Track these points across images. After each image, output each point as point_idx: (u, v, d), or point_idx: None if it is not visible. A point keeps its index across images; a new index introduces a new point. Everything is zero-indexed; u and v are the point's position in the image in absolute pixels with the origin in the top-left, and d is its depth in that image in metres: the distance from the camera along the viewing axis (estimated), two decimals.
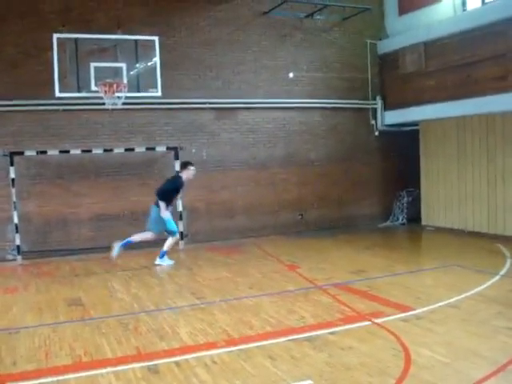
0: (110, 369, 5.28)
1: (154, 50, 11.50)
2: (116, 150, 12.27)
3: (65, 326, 6.76)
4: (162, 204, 10.41)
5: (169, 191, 10.62)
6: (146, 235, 10.71)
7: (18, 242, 11.61)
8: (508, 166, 12.08)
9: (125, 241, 10.51)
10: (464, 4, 13.16)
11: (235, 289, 8.45)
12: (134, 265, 10.81)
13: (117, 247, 10.46)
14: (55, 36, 10.73)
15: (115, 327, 6.62)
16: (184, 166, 10.97)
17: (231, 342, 5.91)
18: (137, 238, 10.67)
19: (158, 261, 10.70)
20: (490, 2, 12.49)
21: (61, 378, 5.10)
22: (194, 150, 13.13)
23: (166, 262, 10.67)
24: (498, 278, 8.42)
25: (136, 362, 5.43)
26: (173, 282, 9.15)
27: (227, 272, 9.77)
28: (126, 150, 12.36)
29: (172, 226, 10.70)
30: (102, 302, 7.97)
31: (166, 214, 10.48)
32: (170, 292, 8.44)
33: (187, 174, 10.89)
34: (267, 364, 5.22)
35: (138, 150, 12.44)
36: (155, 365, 5.33)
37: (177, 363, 5.35)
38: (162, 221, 10.48)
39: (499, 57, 11.59)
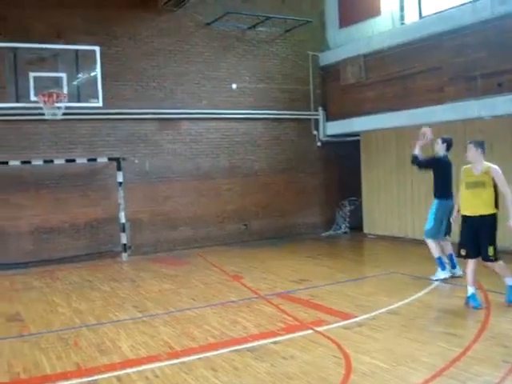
0: None
1: (96, 60, 11.38)
2: (56, 161, 12.02)
3: (3, 343, 6.57)
4: None
5: None
6: None
7: None
8: None
9: None
10: (402, 17, 13.51)
11: (178, 300, 8.40)
12: (75, 278, 10.60)
13: None
14: None
15: (55, 342, 6.48)
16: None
17: (173, 354, 5.87)
18: None
19: None
20: (427, 15, 12.88)
21: None
22: (136, 161, 13.01)
23: None
24: (436, 283, 8.64)
25: (76, 378, 5.33)
26: (115, 295, 9.00)
27: (171, 284, 9.71)
28: (67, 161, 12.11)
29: None
30: (42, 316, 7.80)
31: None
32: (111, 305, 8.30)
33: None
34: (209, 376, 5.20)
35: (79, 161, 12.24)
36: (95, 380, 5.24)
37: (118, 378, 5.27)
38: None
39: (435, 69, 11.97)
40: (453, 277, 8.89)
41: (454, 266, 9.01)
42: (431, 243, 8.93)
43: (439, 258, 8.91)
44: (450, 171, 9.07)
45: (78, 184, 12.51)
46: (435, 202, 8.96)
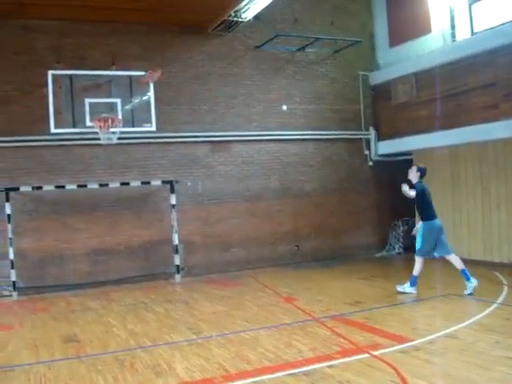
0: None
1: (148, 85, 11.63)
2: (111, 185, 12.30)
3: (60, 364, 6.67)
4: None
5: None
6: None
7: (13, 277, 11.56)
8: (502, 194, 12.15)
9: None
10: (453, 35, 13.34)
11: (232, 322, 8.39)
12: (130, 300, 10.74)
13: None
14: (50, 73, 10.87)
15: (111, 364, 6.55)
16: None
17: (228, 377, 5.84)
18: None
19: None
20: (479, 32, 12.68)
21: None
22: (189, 183, 13.18)
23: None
24: (495, 306, 8.39)
25: None
26: (169, 317, 9.07)
27: (224, 305, 9.73)
28: (122, 184, 12.38)
29: None
30: (98, 338, 7.90)
31: None
32: (166, 327, 8.35)
33: None
34: None
35: (133, 184, 12.48)
36: None
37: None
38: None
39: (489, 86, 11.75)
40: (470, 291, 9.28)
41: (468, 279, 9.35)
42: (419, 261, 9.62)
43: (415, 277, 9.65)
44: (430, 195, 9.88)
45: (133, 206, 12.74)
46: (422, 224, 9.70)
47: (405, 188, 9.87)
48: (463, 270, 9.38)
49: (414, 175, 9.97)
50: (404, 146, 14.28)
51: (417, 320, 7.93)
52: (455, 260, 9.52)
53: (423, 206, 9.84)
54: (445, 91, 12.84)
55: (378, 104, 15.40)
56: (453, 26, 13.33)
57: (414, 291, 9.65)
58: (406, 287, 9.71)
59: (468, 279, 9.32)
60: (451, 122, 12.59)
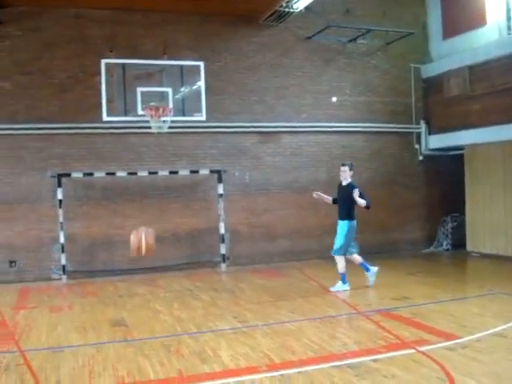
0: None
1: (199, 74, 11.69)
2: (161, 173, 12.48)
3: (108, 347, 6.83)
4: None
5: None
6: None
7: (63, 261, 11.88)
8: None
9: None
10: (509, 27, 12.99)
11: (277, 313, 8.42)
12: (176, 286, 10.88)
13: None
14: (103, 61, 11.04)
15: (158, 349, 6.65)
16: None
17: (273, 366, 5.86)
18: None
19: None
20: None
21: None
22: (236, 174, 13.24)
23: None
24: None
25: None
26: (215, 305, 9.17)
27: (269, 295, 9.75)
28: (171, 172, 12.55)
29: None
30: (145, 322, 8.05)
31: None
32: (212, 315, 8.44)
33: None
34: None
35: (182, 172, 12.62)
36: None
37: None
38: None
39: None
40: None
41: (368, 270, 10.26)
42: (341, 259, 9.96)
43: (343, 274, 9.96)
44: None
45: (181, 195, 12.88)
46: (346, 223, 9.94)
47: (356, 196, 9.75)
48: (363, 263, 10.28)
49: (348, 174, 10.12)
50: (455, 140, 14.01)
51: (464, 317, 7.77)
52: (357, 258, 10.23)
53: (352, 206, 9.95)
54: (499, 85, 12.54)
55: (430, 97, 15.13)
56: (509, 18, 12.97)
57: (348, 287, 9.95)
58: (339, 286, 9.92)
59: (367, 270, 10.24)
60: (505, 117, 12.28)
